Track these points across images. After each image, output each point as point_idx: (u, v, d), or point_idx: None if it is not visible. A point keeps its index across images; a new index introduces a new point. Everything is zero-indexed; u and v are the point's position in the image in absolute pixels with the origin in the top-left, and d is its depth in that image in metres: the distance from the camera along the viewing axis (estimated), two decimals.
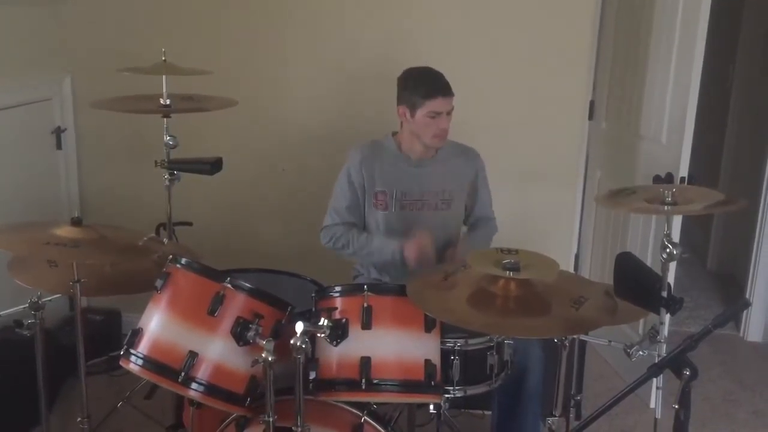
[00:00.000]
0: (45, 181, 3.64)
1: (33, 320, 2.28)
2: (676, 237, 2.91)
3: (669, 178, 3.05)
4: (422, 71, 2.73)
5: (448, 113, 2.70)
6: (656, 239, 3.20)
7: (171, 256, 2.10)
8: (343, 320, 2.03)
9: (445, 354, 2.14)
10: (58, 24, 3.60)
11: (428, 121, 2.67)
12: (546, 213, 3.65)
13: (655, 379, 1.99)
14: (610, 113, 3.76)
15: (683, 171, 3.02)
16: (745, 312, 4.11)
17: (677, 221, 2.99)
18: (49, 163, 3.65)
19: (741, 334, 4.18)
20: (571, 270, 3.85)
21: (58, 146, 3.66)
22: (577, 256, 3.92)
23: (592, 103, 3.76)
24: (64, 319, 3.44)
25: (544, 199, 3.64)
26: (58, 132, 3.64)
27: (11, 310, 2.32)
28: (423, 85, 2.67)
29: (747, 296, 4.13)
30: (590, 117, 3.77)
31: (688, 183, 3.01)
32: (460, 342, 2.18)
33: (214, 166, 2.93)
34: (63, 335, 3.21)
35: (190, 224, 3.25)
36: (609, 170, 3.75)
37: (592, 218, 3.89)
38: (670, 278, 2.14)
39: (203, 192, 3.55)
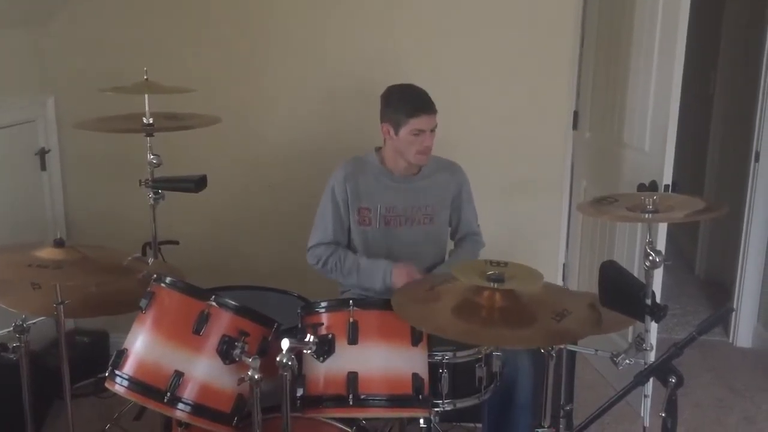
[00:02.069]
0: (30, 203, 3.62)
1: (18, 343, 2.25)
2: (660, 245, 2.92)
3: (653, 186, 3.06)
4: (405, 89, 2.72)
5: (432, 130, 2.68)
6: (642, 247, 3.20)
7: (155, 276, 2.10)
8: (330, 336, 2.03)
9: (433, 367, 2.14)
10: (40, 45, 3.60)
11: (412, 139, 2.66)
12: (533, 223, 3.65)
13: (643, 387, 2.00)
14: (594, 123, 3.78)
15: (667, 179, 3.03)
16: (733, 318, 4.13)
17: (662, 229, 3.00)
18: (33, 185, 3.63)
19: (730, 340, 4.19)
20: (560, 279, 3.86)
21: (43, 167, 3.65)
22: (564, 266, 3.93)
23: (575, 113, 3.78)
24: (50, 342, 3.41)
25: (531, 209, 3.64)
26: (42, 153, 3.63)
27: None
28: (406, 103, 2.66)
29: (735, 302, 4.14)
30: (574, 127, 3.79)
31: (672, 190, 3.02)
32: (448, 355, 2.18)
33: (198, 183, 2.92)
34: (50, 358, 3.18)
35: (176, 243, 3.24)
36: (594, 179, 3.77)
37: (579, 228, 3.91)
38: (656, 286, 2.15)
39: (189, 210, 3.54)
